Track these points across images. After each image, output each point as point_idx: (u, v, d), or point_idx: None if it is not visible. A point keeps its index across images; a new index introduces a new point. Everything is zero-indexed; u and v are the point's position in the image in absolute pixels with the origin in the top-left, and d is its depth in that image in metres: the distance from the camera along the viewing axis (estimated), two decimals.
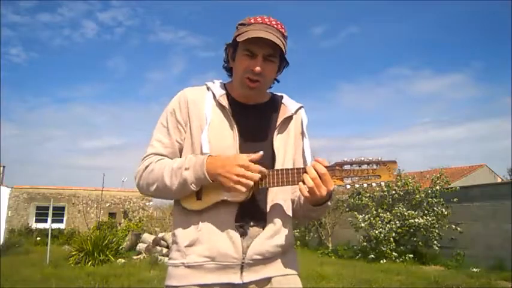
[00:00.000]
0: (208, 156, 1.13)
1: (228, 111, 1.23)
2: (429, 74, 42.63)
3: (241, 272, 1.14)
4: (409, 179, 10.24)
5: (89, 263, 8.33)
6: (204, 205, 1.17)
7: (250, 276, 1.15)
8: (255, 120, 1.27)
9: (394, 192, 10.25)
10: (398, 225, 9.54)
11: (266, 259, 1.18)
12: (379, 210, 10.03)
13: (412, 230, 9.62)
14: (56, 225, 16.35)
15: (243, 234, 1.16)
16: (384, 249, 9.35)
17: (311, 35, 43.25)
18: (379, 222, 9.68)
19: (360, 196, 10.77)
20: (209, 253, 1.14)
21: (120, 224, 15.72)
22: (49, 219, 11.72)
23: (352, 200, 11.09)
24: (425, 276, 6.90)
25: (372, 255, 9.43)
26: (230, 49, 1.27)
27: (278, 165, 1.21)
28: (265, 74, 1.21)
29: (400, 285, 6.28)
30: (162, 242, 10.12)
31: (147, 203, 18.90)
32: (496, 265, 7.90)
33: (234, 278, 1.13)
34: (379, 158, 1.13)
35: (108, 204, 18.40)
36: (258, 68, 1.18)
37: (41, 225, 16.44)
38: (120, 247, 10.07)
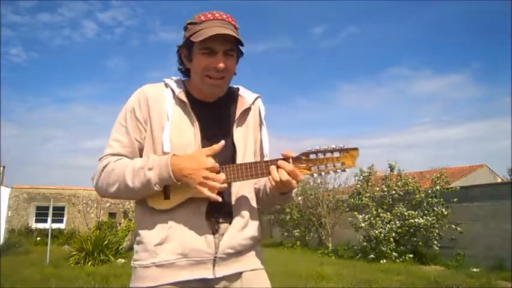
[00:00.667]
0: (173, 156, 1.11)
1: (189, 108, 1.22)
2: (429, 74, 42.67)
3: (214, 267, 1.15)
4: (409, 179, 10.24)
5: (89, 263, 8.33)
6: (173, 204, 1.15)
7: (222, 270, 1.15)
8: (214, 115, 1.26)
9: (394, 192, 10.25)
10: (398, 225, 9.54)
11: (237, 253, 1.19)
12: (379, 210, 10.03)
13: (412, 230, 9.62)
14: (56, 225, 16.35)
15: (214, 230, 1.17)
16: (383, 249, 9.35)
17: (311, 35, 43.27)
18: (379, 222, 9.68)
19: (360, 196, 10.77)
20: (181, 250, 1.13)
21: (120, 224, 15.70)
22: (49, 219, 11.71)
23: (352, 200, 11.09)
24: (425, 276, 6.89)
25: (372, 255, 9.42)
26: (184, 50, 1.24)
27: (239, 158, 1.23)
28: (228, 70, 1.20)
29: (400, 285, 6.27)
30: None
31: None
32: (496, 265, 7.90)
33: (207, 273, 1.13)
34: (342, 146, 1.18)
35: (108, 204, 18.38)
36: (221, 64, 1.17)
37: (41, 225, 16.44)
38: (120, 247, 10.07)
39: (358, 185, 11.17)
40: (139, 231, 1.19)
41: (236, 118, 1.27)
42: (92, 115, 43.42)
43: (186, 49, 1.23)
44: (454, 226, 9.19)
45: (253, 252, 1.25)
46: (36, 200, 17.65)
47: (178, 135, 1.18)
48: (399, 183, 10.28)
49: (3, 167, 18.58)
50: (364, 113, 44.16)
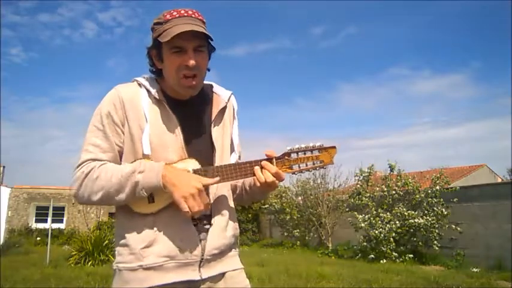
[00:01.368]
0: (166, 164, 1.11)
1: (167, 108, 1.20)
2: (428, 74, 42.64)
3: (200, 268, 1.16)
4: (409, 179, 10.23)
5: (89, 263, 8.32)
6: (158, 207, 1.14)
7: (207, 271, 1.17)
8: (192, 114, 1.26)
9: (394, 192, 10.25)
10: (398, 225, 9.53)
11: (221, 253, 1.21)
12: (379, 210, 10.02)
13: (412, 230, 9.61)
14: (56, 225, 16.36)
15: (199, 231, 1.18)
16: (383, 249, 9.34)
17: (310, 35, 43.24)
18: (379, 222, 9.67)
19: (360, 196, 10.77)
20: (168, 252, 1.13)
21: None
22: (49, 219, 11.71)
23: (352, 200, 11.09)
24: (425, 276, 6.89)
25: (372, 255, 9.42)
26: (153, 51, 1.22)
27: (217, 157, 1.24)
28: (200, 66, 1.18)
29: (400, 285, 6.27)
30: None
31: None
32: (496, 265, 7.90)
33: (193, 274, 1.14)
34: (321, 145, 1.25)
35: None
36: (192, 62, 1.15)
37: (41, 225, 16.45)
38: None
39: (358, 185, 11.17)
40: (125, 234, 1.16)
41: (213, 117, 1.28)
42: (92, 115, 43.38)
43: (156, 50, 1.20)
44: (454, 226, 9.19)
45: (233, 252, 1.28)
46: (36, 200, 17.65)
47: (158, 136, 1.17)
48: (399, 183, 10.27)
49: (3, 167, 18.60)
50: (363, 113, 44.18)
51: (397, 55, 45.27)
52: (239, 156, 1.36)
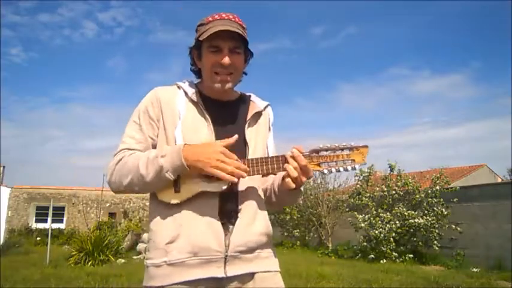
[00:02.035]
0: (185, 144, 1.13)
1: (201, 107, 1.25)
2: (428, 74, 42.67)
3: (225, 266, 1.13)
4: (409, 179, 10.23)
5: (89, 263, 8.32)
6: (183, 197, 1.14)
7: (233, 270, 1.14)
8: (227, 114, 1.29)
9: (394, 192, 10.25)
10: (398, 225, 9.54)
11: (249, 251, 1.18)
12: (379, 210, 10.02)
13: (412, 230, 9.61)
14: (56, 225, 16.35)
15: (226, 227, 1.16)
16: (383, 249, 9.34)
17: (310, 36, 43.26)
18: (379, 222, 9.67)
19: (360, 196, 10.77)
20: (191, 248, 1.12)
21: (120, 224, 15.71)
22: (49, 219, 11.71)
23: (352, 200, 11.09)
24: (425, 276, 6.89)
25: (372, 255, 9.42)
26: (195, 51, 1.29)
27: (250, 155, 1.24)
28: (234, 66, 1.23)
29: (400, 285, 6.27)
30: None
31: (147, 203, 18.89)
32: (496, 265, 7.90)
33: (218, 271, 1.12)
34: (352, 144, 1.20)
35: (108, 204, 18.39)
36: (226, 59, 1.20)
37: (41, 225, 16.44)
38: (120, 247, 10.06)
39: (358, 185, 11.17)
40: (152, 228, 1.19)
41: (248, 119, 1.30)
42: (92, 115, 43.43)
43: (196, 50, 1.28)
44: (454, 226, 9.19)
45: (266, 253, 1.24)
46: (36, 200, 17.65)
47: (191, 132, 1.21)
48: (399, 183, 10.28)
49: (3, 167, 18.59)
50: (363, 113, 44.22)
51: (397, 55, 45.35)
52: None
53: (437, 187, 9.80)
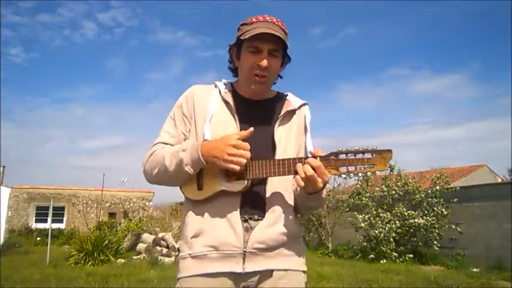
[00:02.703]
0: (204, 140, 1.20)
1: (232, 105, 1.28)
2: (428, 74, 42.63)
3: (244, 262, 1.16)
4: (409, 179, 10.23)
5: (89, 263, 8.31)
6: (205, 195, 1.20)
7: (252, 266, 1.16)
8: (258, 114, 1.31)
9: (394, 192, 10.25)
10: (398, 225, 9.54)
11: (269, 249, 1.18)
12: (379, 210, 10.02)
13: (412, 230, 9.61)
14: (56, 225, 16.34)
15: (247, 225, 1.18)
16: (383, 249, 9.34)
17: (310, 36, 43.26)
18: (379, 222, 9.68)
19: (360, 196, 10.77)
20: (212, 242, 1.17)
21: (120, 224, 15.70)
22: (49, 219, 11.71)
23: (352, 200, 11.09)
24: (425, 276, 6.89)
25: (372, 255, 9.42)
26: (234, 49, 1.31)
27: (278, 156, 1.22)
28: (271, 69, 1.26)
29: (400, 285, 6.27)
30: (162, 242, 10.11)
31: (147, 203, 18.90)
32: (496, 265, 7.90)
33: (236, 267, 1.16)
34: (375, 147, 1.12)
35: (108, 204, 18.38)
36: (265, 62, 1.22)
37: (41, 225, 16.42)
38: (120, 247, 10.05)
39: (358, 185, 11.17)
40: (183, 223, 1.27)
41: (279, 117, 1.30)
42: (92, 115, 43.41)
43: (236, 48, 1.30)
44: (454, 226, 9.19)
45: (290, 251, 1.23)
46: (36, 200, 17.64)
47: (219, 128, 1.23)
48: (399, 183, 10.27)
49: (3, 167, 18.57)
50: (363, 113, 44.21)
51: (397, 55, 45.34)
52: None
53: (437, 187, 9.80)
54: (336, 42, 42.98)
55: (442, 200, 9.56)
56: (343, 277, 6.75)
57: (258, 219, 1.20)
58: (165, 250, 9.70)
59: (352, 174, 1.14)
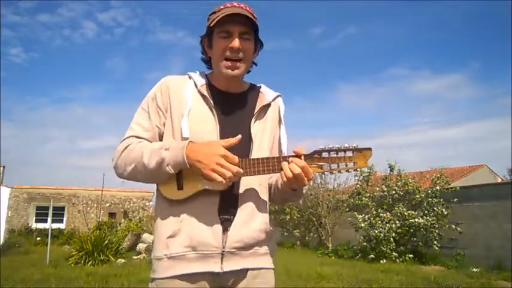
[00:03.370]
0: (190, 142, 1.14)
1: (209, 99, 1.25)
2: (428, 74, 42.59)
3: (222, 262, 1.16)
4: (409, 179, 10.24)
5: (89, 263, 8.31)
6: (186, 194, 1.17)
7: (229, 265, 1.16)
8: (234, 107, 1.29)
9: (394, 192, 10.25)
10: (398, 225, 9.54)
11: (246, 248, 1.19)
12: (379, 210, 10.03)
13: (412, 230, 9.62)
14: (56, 225, 16.33)
15: (225, 224, 1.18)
16: (383, 249, 9.35)
17: (310, 36, 43.26)
18: (379, 222, 9.68)
19: (360, 196, 10.77)
20: (190, 243, 1.15)
21: (120, 224, 15.70)
22: (49, 219, 11.70)
23: (352, 200, 11.09)
24: (425, 276, 6.89)
25: (372, 255, 9.42)
26: (205, 39, 1.29)
27: (254, 151, 1.24)
28: (245, 52, 1.23)
29: (400, 285, 6.27)
30: None
31: (147, 203, 18.89)
32: (496, 265, 7.90)
33: (215, 266, 1.15)
34: (355, 146, 1.19)
35: (108, 204, 18.37)
36: (236, 41, 1.20)
37: (41, 225, 16.42)
38: (120, 247, 10.06)
39: (358, 185, 11.17)
40: (156, 223, 1.22)
41: (255, 112, 1.29)
42: (92, 115, 43.42)
43: (207, 38, 1.28)
44: (454, 226, 9.19)
45: (264, 250, 1.25)
46: (36, 200, 17.63)
47: (197, 123, 1.21)
48: (399, 183, 10.28)
49: (3, 167, 18.58)
50: (363, 113, 44.15)
51: (397, 55, 45.28)
52: None
53: (438, 187, 9.80)
54: (336, 42, 43.01)
55: (442, 200, 9.57)
56: (343, 277, 6.75)
57: (232, 216, 1.19)
58: None
59: (335, 172, 1.19)
